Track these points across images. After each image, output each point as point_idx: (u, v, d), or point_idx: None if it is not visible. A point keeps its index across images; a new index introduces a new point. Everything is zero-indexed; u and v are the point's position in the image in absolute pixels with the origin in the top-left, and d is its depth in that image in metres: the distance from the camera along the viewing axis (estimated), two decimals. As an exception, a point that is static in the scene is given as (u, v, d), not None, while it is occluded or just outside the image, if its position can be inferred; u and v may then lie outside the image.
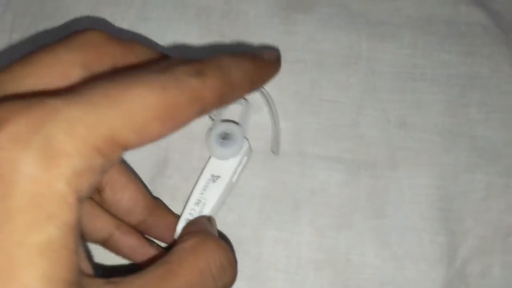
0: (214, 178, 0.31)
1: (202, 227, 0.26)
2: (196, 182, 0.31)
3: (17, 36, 0.36)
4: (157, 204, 0.29)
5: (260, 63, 0.25)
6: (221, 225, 0.33)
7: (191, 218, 0.29)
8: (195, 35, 0.36)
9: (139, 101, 0.17)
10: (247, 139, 0.33)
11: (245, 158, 0.32)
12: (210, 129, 0.32)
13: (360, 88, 0.36)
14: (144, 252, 0.29)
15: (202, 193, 0.31)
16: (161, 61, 0.21)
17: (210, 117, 0.33)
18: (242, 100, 0.33)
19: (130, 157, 0.34)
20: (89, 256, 0.29)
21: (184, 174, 0.34)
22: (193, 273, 0.21)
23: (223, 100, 0.20)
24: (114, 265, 0.32)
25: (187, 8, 0.36)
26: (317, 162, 0.34)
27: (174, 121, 0.18)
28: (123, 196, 0.28)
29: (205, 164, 0.32)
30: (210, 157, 0.32)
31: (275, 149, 0.33)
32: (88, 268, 0.19)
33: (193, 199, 0.31)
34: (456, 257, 0.33)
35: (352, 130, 0.35)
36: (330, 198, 0.34)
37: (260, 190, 0.34)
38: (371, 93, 0.36)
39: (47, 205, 0.16)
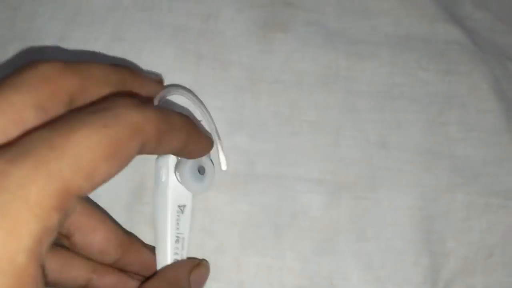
0: (181, 208, 0.30)
1: (176, 277, 0.27)
2: (165, 216, 0.30)
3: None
4: (131, 240, 0.28)
5: (196, 127, 0.25)
6: (201, 253, 0.32)
7: (177, 257, 0.29)
8: (171, 55, 0.35)
9: (83, 144, 0.17)
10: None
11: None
12: (180, 163, 0.30)
13: (339, 108, 0.36)
14: (127, 287, 0.28)
15: (178, 229, 0.30)
16: (105, 98, 0.21)
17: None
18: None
19: (105, 185, 0.33)
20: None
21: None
22: None
23: (162, 137, 0.20)
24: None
25: (163, 28, 0.35)
26: (298, 184, 0.34)
27: (119, 158, 0.18)
28: (94, 239, 0.27)
29: (166, 195, 0.30)
30: (165, 186, 0.30)
31: (222, 164, 0.30)
32: None
33: (172, 237, 0.30)
34: (439, 279, 0.33)
35: (332, 151, 0.35)
36: (312, 221, 0.33)
37: (241, 214, 0.33)
38: (350, 112, 0.35)
39: (9, 282, 0.15)
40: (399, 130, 0.35)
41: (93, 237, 0.25)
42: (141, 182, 0.33)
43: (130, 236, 0.28)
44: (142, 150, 0.20)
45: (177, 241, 0.29)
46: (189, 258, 0.31)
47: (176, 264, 0.28)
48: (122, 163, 0.19)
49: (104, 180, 0.18)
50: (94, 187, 0.18)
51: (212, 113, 0.34)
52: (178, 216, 0.30)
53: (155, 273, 0.29)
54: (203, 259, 0.31)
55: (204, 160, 0.31)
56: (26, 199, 0.16)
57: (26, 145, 0.17)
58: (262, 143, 0.34)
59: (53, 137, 0.17)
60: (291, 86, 0.36)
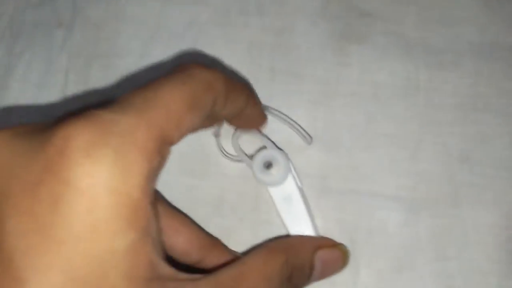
0: (287, 200, 0.31)
1: (297, 249, 0.27)
2: (281, 218, 0.32)
3: (73, 76, 0.37)
4: (214, 243, 0.29)
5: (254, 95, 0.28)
6: None
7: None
8: (245, 71, 0.36)
9: (170, 97, 0.19)
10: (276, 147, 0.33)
11: (290, 163, 0.32)
12: (251, 167, 0.32)
13: (418, 121, 0.34)
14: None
15: (293, 217, 0.31)
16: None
17: (238, 160, 0.33)
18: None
19: (185, 197, 0.34)
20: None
21: (239, 215, 0.33)
22: (260, 280, 0.22)
23: (229, 95, 0.23)
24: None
25: (237, 44, 0.36)
26: (374, 200, 0.33)
27: (199, 109, 0.21)
28: (177, 241, 0.28)
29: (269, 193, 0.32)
30: (265, 188, 0.32)
31: (307, 138, 0.33)
32: (166, 264, 0.20)
33: (291, 228, 0.31)
34: (526, 303, 0.31)
35: (411, 166, 0.34)
36: (389, 238, 0.33)
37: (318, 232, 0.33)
38: (430, 126, 0.34)
39: (127, 213, 0.17)
40: (483, 144, 0.34)
41: (176, 239, 0.27)
42: (221, 196, 0.34)
43: (213, 239, 0.29)
44: (214, 105, 0.22)
45: (296, 228, 0.31)
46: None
47: (305, 236, 0.30)
48: (201, 113, 0.21)
49: (189, 129, 0.20)
50: (182, 136, 0.20)
51: (286, 127, 0.34)
52: (287, 208, 0.31)
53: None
54: (342, 244, 0.31)
55: (273, 155, 0.32)
56: (135, 143, 0.18)
57: (125, 99, 0.19)
58: (336, 158, 0.34)
59: (146, 92, 0.19)
60: (368, 98, 0.35)
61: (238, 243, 0.33)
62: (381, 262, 0.32)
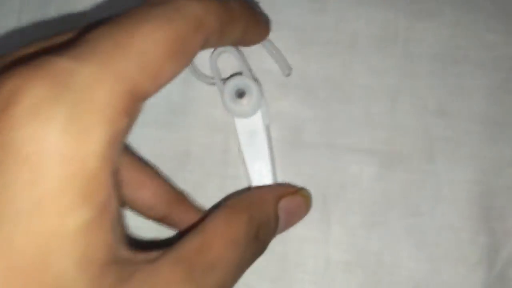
0: (252, 135, 0.30)
1: (260, 200, 0.25)
2: (241, 150, 0.30)
3: (26, 18, 0.34)
4: (180, 198, 0.27)
5: (254, 12, 0.24)
6: None
7: (261, 183, 0.30)
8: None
9: (149, 41, 0.16)
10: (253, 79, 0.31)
11: (263, 99, 0.30)
12: (222, 91, 0.30)
13: (396, 73, 0.33)
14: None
15: (255, 154, 0.30)
16: None
17: (212, 83, 0.31)
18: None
19: (149, 150, 0.32)
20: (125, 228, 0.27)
21: (206, 169, 0.32)
22: (226, 245, 0.20)
23: (224, 29, 0.19)
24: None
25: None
26: (348, 154, 0.32)
27: (184, 55, 0.17)
28: (142, 194, 0.26)
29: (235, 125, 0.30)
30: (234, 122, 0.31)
31: (285, 69, 0.31)
32: (124, 244, 0.17)
33: (251, 165, 0.30)
34: (497, 260, 0.31)
35: (387, 119, 0.32)
36: (362, 194, 0.31)
37: None
38: (408, 77, 0.33)
39: (81, 186, 0.15)
40: (461, 97, 0.32)
41: (141, 193, 0.25)
42: (185, 148, 0.32)
43: (179, 194, 0.28)
44: (205, 45, 0.19)
45: (256, 166, 0.30)
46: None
47: (264, 187, 0.28)
48: (186, 60, 0.18)
49: (168, 81, 0.17)
50: (158, 88, 0.17)
51: (259, 76, 0.32)
52: (250, 144, 0.30)
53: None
54: (303, 188, 0.30)
55: (247, 84, 0.30)
56: (95, 101, 0.15)
57: (90, 42, 0.16)
58: (310, 110, 0.32)
59: (116, 33, 0.16)
60: (344, 47, 0.33)
61: (205, 198, 0.31)
62: (354, 218, 0.31)
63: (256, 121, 0.30)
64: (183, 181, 0.31)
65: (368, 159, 0.32)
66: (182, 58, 0.17)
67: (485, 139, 0.32)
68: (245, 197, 0.25)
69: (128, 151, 0.27)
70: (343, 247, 0.31)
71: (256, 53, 0.32)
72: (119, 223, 0.17)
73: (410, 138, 0.32)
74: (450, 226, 0.31)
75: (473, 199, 0.31)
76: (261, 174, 0.30)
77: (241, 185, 0.31)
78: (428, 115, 0.32)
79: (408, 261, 0.31)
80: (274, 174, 0.30)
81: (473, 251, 0.31)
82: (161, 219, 0.27)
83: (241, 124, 0.30)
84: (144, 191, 0.24)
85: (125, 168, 0.25)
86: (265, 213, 0.24)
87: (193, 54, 0.18)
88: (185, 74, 0.33)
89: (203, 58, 0.31)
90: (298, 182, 0.31)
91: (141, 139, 0.32)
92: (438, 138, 0.32)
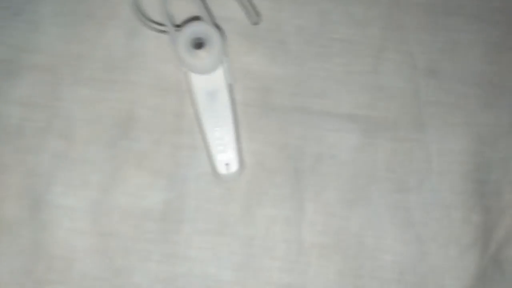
0: (212, 97, 0.25)
1: None
2: (198, 114, 0.25)
3: None
4: None
5: None
6: (205, 201, 0.26)
7: (223, 154, 0.25)
8: None
9: None
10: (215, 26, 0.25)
11: (225, 53, 0.25)
12: (176, 41, 0.25)
13: (381, 25, 0.28)
14: None
15: (215, 120, 0.25)
16: None
17: (162, 31, 0.26)
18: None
19: (83, 113, 0.26)
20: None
21: (154, 136, 0.26)
22: None
23: None
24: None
25: None
26: (324, 120, 0.27)
27: None
28: None
29: (190, 83, 0.25)
30: (189, 77, 0.25)
31: (253, 17, 0.26)
32: None
33: (210, 132, 0.25)
34: (492, 239, 0.27)
35: (369, 79, 0.27)
36: (341, 166, 0.27)
37: (253, 155, 0.26)
38: (394, 31, 0.28)
39: None
40: (454, 54, 0.28)
41: None
42: (130, 112, 0.26)
43: None
44: None
45: (216, 130, 0.25)
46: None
47: None
48: None
49: None
50: None
51: (221, 25, 0.26)
52: (209, 104, 0.25)
53: None
54: None
55: (207, 32, 0.25)
56: None
57: None
58: (281, 67, 0.27)
59: None
60: (321, -7, 0.28)
61: (153, 171, 0.26)
62: (331, 194, 0.27)
63: (217, 79, 0.25)
64: (126, 151, 0.26)
65: (348, 126, 0.27)
66: None
67: (480, 103, 0.28)
68: None
69: None
70: (318, 228, 0.26)
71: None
72: None
73: (396, 101, 0.28)
74: (440, 203, 0.27)
75: (467, 172, 0.27)
76: (222, 144, 0.25)
77: (198, 156, 0.26)
78: (417, 75, 0.28)
79: (393, 243, 0.27)
80: (238, 144, 0.25)
81: (465, 231, 0.27)
82: None
83: (198, 82, 0.25)
84: None
85: None
86: None
87: None
88: (129, 21, 0.27)
89: (151, 0, 0.25)
90: (266, 153, 0.26)
91: (73, 101, 0.26)
92: (428, 102, 0.28)
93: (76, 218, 0.26)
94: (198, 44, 0.24)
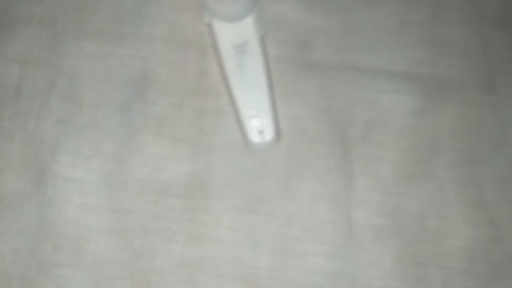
0: (240, 50, 0.22)
1: None
2: (224, 73, 0.22)
3: None
4: None
5: None
6: (235, 174, 0.22)
7: (256, 119, 0.22)
8: None
9: None
10: None
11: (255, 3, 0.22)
12: None
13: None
14: None
15: (245, 79, 0.22)
16: None
17: None
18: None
19: (90, 72, 0.23)
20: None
21: (175, 98, 0.23)
22: None
23: None
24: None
25: None
26: (376, 79, 0.23)
27: None
28: None
29: (215, 37, 0.22)
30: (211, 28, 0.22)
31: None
32: None
33: (240, 94, 0.22)
34: None
35: (428, 31, 0.24)
36: (396, 134, 0.23)
37: (292, 121, 0.23)
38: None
39: None
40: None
41: None
42: (145, 71, 0.22)
43: None
44: None
45: (247, 92, 0.22)
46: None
47: None
48: None
49: None
50: None
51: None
52: (239, 59, 0.22)
53: None
54: None
55: None
56: None
57: None
58: (321, 16, 0.23)
59: None
60: None
61: (174, 139, 0.22)
62: (386, 168, 0.23)
63: (247, 29, 0.22)
64: (142, 115, 0.22)
65: (404, 87, 0.23)
66: None
67: None
68: None
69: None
70: (371, 208, 0.23)
71: None
72: None
73: (461, 58, 0.24)
74: (515, 178, 0.22)
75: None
76: (255, 108, 0.22)
77: (226, 122, 0.23)
78: (484, 25, 0.23)
79: (461, 226, 0.22)
80: (273, 107, 0.22)
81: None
82: None
83: (224, 33, 0.22)
84: None
85: None
86: None
87: None
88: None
89: None
90: (307, 118, 0.22)
91: (78, 57, 0.22)
92: (499, 58, 0.23)
93: (87, 192, 0.23)
94: None
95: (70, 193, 0.22)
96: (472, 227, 0.22)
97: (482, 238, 0.22)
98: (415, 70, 0.23)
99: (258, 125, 0.22)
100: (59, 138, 0.23)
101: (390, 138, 0.23)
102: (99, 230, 0.22)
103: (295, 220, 0.22)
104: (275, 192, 0.22)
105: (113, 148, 0.23)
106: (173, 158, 0.23)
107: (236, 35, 0.22)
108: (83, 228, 0.22)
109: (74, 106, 0.23)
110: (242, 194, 0.22)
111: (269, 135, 0.22)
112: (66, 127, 0.23)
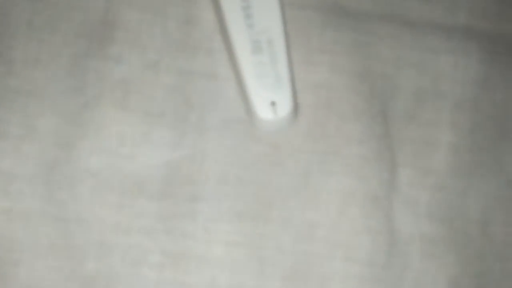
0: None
1: None
2: (223, 21, 0.17)
3: None
4: None
5: None
6: (234, 165, 0.16)
7: (266, 86, 0.17)
8: None
9: None
10: None
11: None
12: None
13: None
14: None
15: (251, 29, 0.17)
16: None
17: None
18: None
19: (30, 16, 0.17)
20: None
21: (148, 55, 0.18)
22: None
23: None
24: None
25: None
26: (428, 35, 0.18)
27: None
28: None
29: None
30: None
31: None
32: None
33: (244, 50, 0.17)
34: None
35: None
36: (453, 109, 0.19)
37: (314, 91, 0.18)
38: None
39: None
40: None
41: None
42: (103, 11, 0.18)
43: None
44: None
45: (255, 48, 0.17)
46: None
47: None
48: None
49: None
50: None
51: None
52: (246, 10, 0.17)
53: None
54: None
55: None
56: None
57: None
58: None
59: None
60: None
61: (147, 114, 0.17)
62: (436, 155, 0.18)
63: None
64: (99, 79, 0.17)
65: (464, 46, 0.18)
66: None
67: None
68: None
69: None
70: (420, 211, 0.17)
71: None
72: None
73: None
74: None
75: None
76: (264, 70, 0.17)
77: (223, 91, 0.18)
78: None
79: None
80: (290, 71, 0.17)
81: None
82: None
83: None
84: None
85: None
86: None
87: None
88: None
89: None
90: (335, 86, 0.18)
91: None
92: None
93: (16, 191, 0.17)
94: None
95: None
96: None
97: None
98: (479, 24, 0.18)
99: (270, 94, 0.16)
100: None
101: (445, 116, 0.18)
102: (34, 248, 0.16)
103: (317, 230, 0.17)
104: (290, 191, 0.17)
105: (57, 126, 0.17)
106: (145, 141, 0.17)
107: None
108: (10, 246, 0.16)
109: (3, 64, 0.17)
110: (243, 194, 0.17)
111: (284, 109, 0.17)
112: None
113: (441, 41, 0.18)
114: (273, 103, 0.16)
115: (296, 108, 0.17)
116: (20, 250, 0.16)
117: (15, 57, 0.17)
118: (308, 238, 0.17)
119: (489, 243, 0.17)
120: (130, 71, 0.17)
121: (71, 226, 0.16)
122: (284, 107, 0.16)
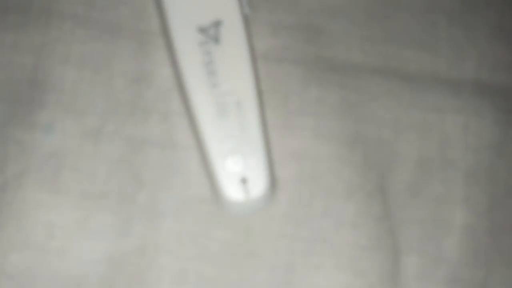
0: (210, 34, 0.14)
1: None
2: (181, 76, 0.14)
3: None
4: None
5: None
6: (199, 258, 0.13)
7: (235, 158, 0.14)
8: None
9: None
10: None
11: None
12: None
13: None
14: None
15: (217, 87, 0.14)
16: None
17: None
18: None
19: None
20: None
21: (89, 121, 0.14)
22: None
23: None
24: None
25: None
26: (431, 91, 0.16)
27: None
28: None
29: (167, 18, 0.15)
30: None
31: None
32: None
33: (208, 113, 0.14)
34: None
35: None
36: (465, 181, 0.16)
37: (296, 162, 0.15)
38: None
39: None
40: None
41: None
42: (35, 70, 0.14)
43: None
44: None
45: (221, 112, 0.14)
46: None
47: None
48: None
49: None
50: None
51: None
52: (205, 49, 0.14)
53: None
54: None
55: None
56: None
57: None
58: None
59: None
60: None
61: (83, 195, 0.13)
62: (447, 239, 0.16)
63: (221, 2, 0.14)
64: (24, 150, 0.14)
65: (475, 103, 0.16)
66: None
67: None
68: None
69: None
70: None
71: None
72: None
73: None
74: None
75: None
76: (233, 138, 0.14)
77: (178, 164, 0.14)
78: None
79: None
80: (263, 137, 0.14)
81: None
82: None
83: (182, 8, 0.14)
84: None
85: None
86: None
87: None
88: None
89: None
90: (320, 155, 0.15)
91: None
92: None
93: None
94: None
95: None
96: None
97: None
98: (491, 77, 0.15)
99: (239, 169, 0.13)
100: None
101: (456, 190, 0.15)
102: None
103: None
104: (267, 290, 0.13)
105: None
106: (81, 231, 0.13)
107: (202, 10, 0.14)
108: None
109: None
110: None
111: (257, 186, 0.13)
112: None
113: (447, 98, 0.15)
114: (244, 180, 0.13)
115: (273, 184, 0.14)
116: None
117: None
118: None
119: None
120: (63, 143, 0.13)
121: None
122: (258, 184, 0.13)
